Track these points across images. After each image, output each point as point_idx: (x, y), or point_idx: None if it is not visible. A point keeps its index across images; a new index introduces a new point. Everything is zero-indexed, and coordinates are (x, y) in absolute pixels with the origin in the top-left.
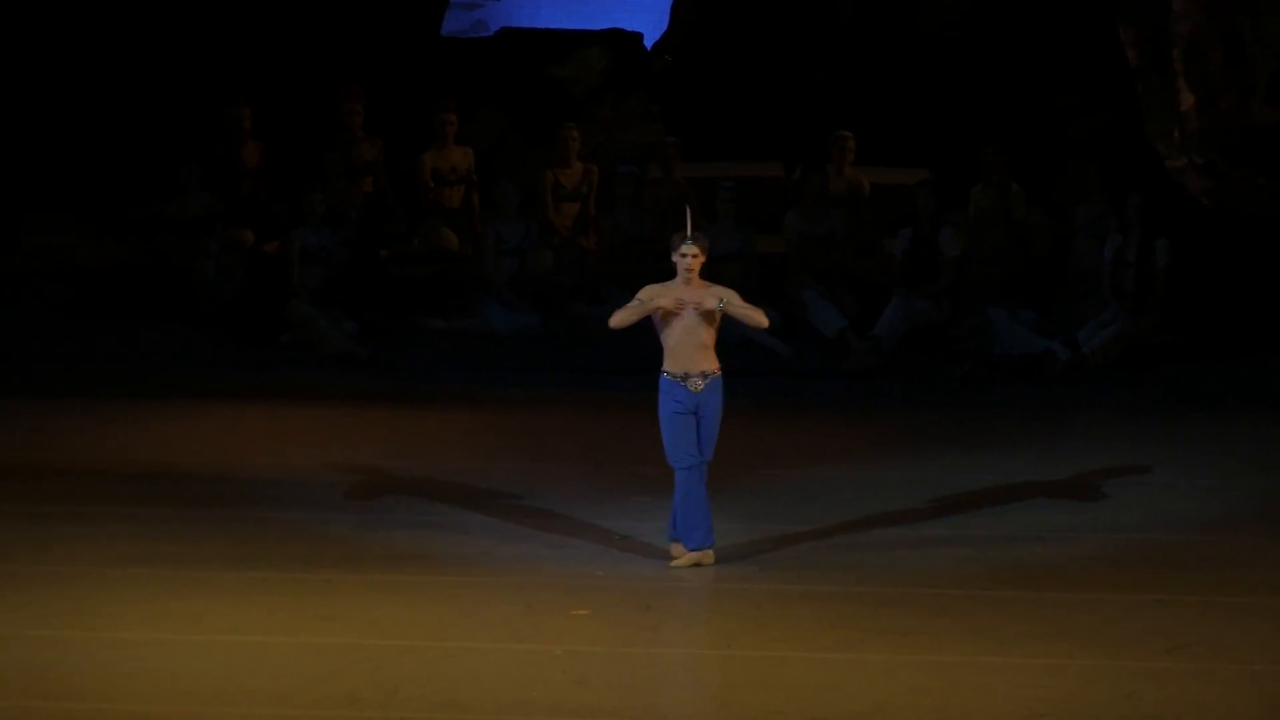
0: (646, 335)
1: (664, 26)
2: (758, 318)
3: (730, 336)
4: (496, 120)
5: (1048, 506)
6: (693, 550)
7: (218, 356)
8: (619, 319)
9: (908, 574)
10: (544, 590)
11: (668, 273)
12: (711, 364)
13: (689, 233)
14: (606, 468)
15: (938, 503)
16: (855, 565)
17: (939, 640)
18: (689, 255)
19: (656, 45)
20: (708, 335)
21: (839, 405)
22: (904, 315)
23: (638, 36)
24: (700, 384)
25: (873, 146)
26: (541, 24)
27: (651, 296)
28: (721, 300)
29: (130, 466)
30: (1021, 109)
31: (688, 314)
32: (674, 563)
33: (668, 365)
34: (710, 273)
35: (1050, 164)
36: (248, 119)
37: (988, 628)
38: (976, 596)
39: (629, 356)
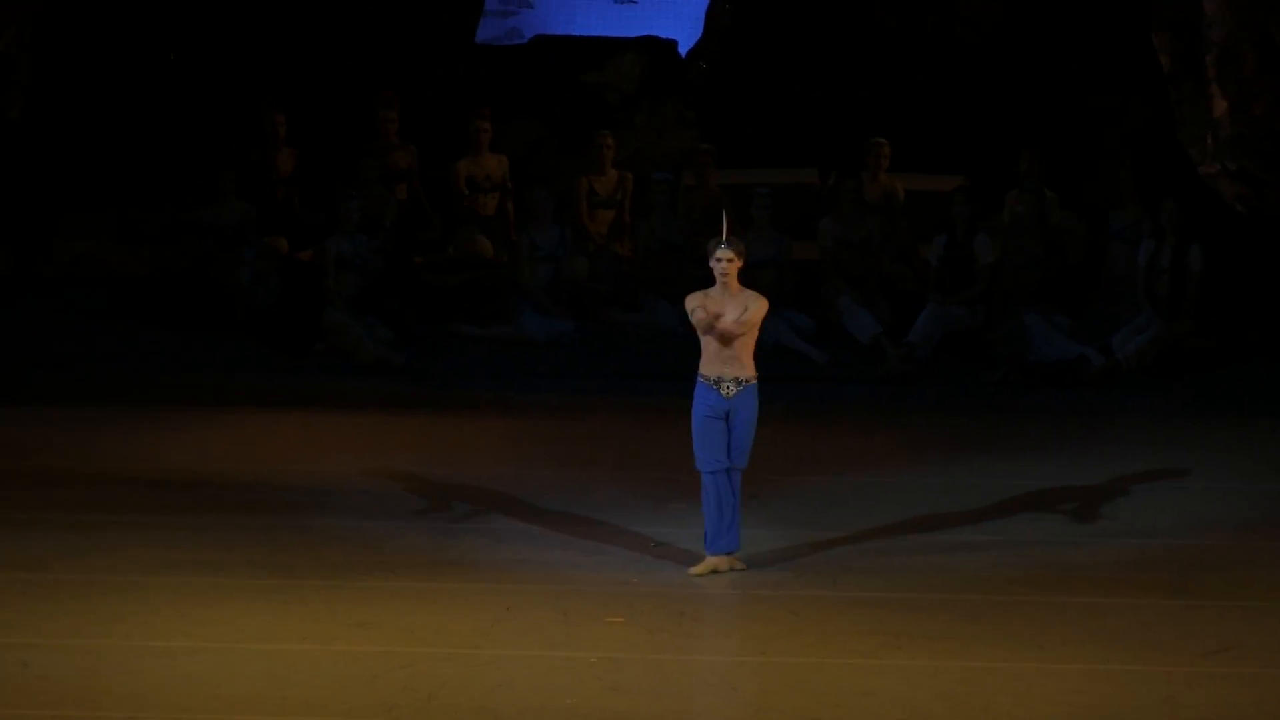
0: (681, 341)
1: (699, 33)
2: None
3: (766, 341)
4: (531, 127)
5: (1081, 511)
6: (711, 556)
7: (253, 364)
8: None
9: (943, 579)
10: (579, 597)
11: (704, 279)
12: (746, 371)
13: (724, 238)
14: (641, 474)
15: (972, 508)
16: (890, 570)
17: (974, 645)
18: (724, 260)
19: (691, 52)
20: (740, 343)
21: (873, 411)
22: (939, 321)
23: (672, 44)
24: (732, 389)
25: (908, 153)
26: (576, 31)
27: (693, 308)
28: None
29: (166, 474)
30: (1056, 114)
31: (727, 312)
32: (693, 570)
33: (702, 368)
34: (746, 279)
35: (1084, 169)
36: (282, 125)
37: (1023, 633)
38: (1011, 601)
39: (664, 362)
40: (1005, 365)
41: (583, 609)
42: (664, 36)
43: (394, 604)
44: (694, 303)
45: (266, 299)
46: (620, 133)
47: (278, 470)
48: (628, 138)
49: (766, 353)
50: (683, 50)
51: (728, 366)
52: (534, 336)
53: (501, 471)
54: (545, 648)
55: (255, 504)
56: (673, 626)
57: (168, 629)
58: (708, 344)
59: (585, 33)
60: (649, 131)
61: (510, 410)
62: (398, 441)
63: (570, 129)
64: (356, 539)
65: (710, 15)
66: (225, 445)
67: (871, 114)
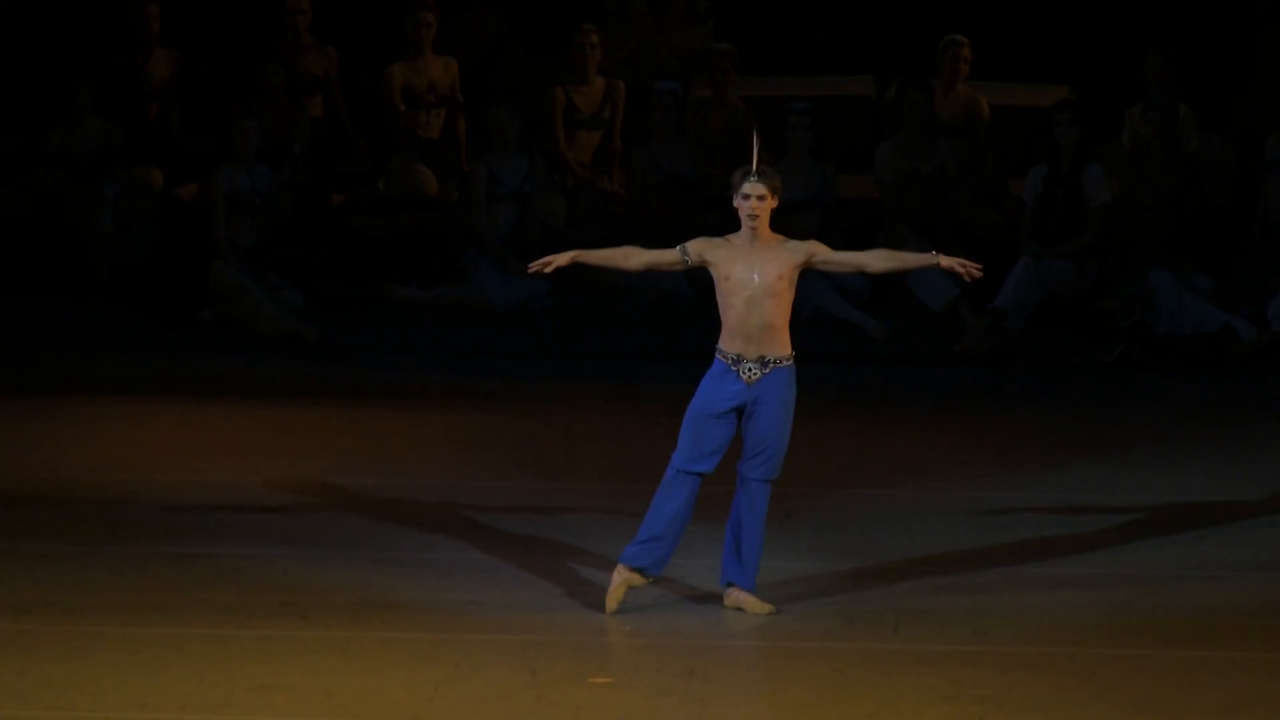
0: (691, 308)
1: None
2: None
3: (804, 308)
4: (490, 20)
5: (1226, 538)
6: (631, 570)
7: (117, 337)
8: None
9: (1042, 627)
10: (553, 651)
11: (725, 225)
12: (778, 349)
13: (754, 167)
14: (637, 486)
15: (1080, 532)
16: (972, 616)
17: (1086, 715)
18: (753, 197)
19: None
20: (776, 310)
21: (949, 401)
22: (1036, 281)
23: None
24: (756, 373)
25: (994, 56)
26: None
27: (700, 252)
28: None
29: (2, 486)
30: (1194, 7)
31: (753, 278)
32: (609, 603)
33: (722, 341)
34: (781, 223)
35: (1233, 78)
36: (156, 19)
37: (1152, 698)
38: (1135, 656)
39: (668, 337)
40: (1126, 340)
41: (558, 667)
42: None
43: (306, 661)
44: (702, 248)
45: (136, 251)
46: (610, 28)
47: (151, 481)
48: (619, 34)
49: (804, 323)
50: None
51: (751, 341)
52: (494, 302)
53: (451, 483)
54: (509, 719)
55: (121, 526)
56: (679, 690)
57: (4, 692)
58: (737, 311)
59: None
60: (649, 27)
61: (462, 401)
62: (311, 442)
63: (541, 23)
64: (257, 573)
65: None
66: (81, 447)
67: (947, 3)
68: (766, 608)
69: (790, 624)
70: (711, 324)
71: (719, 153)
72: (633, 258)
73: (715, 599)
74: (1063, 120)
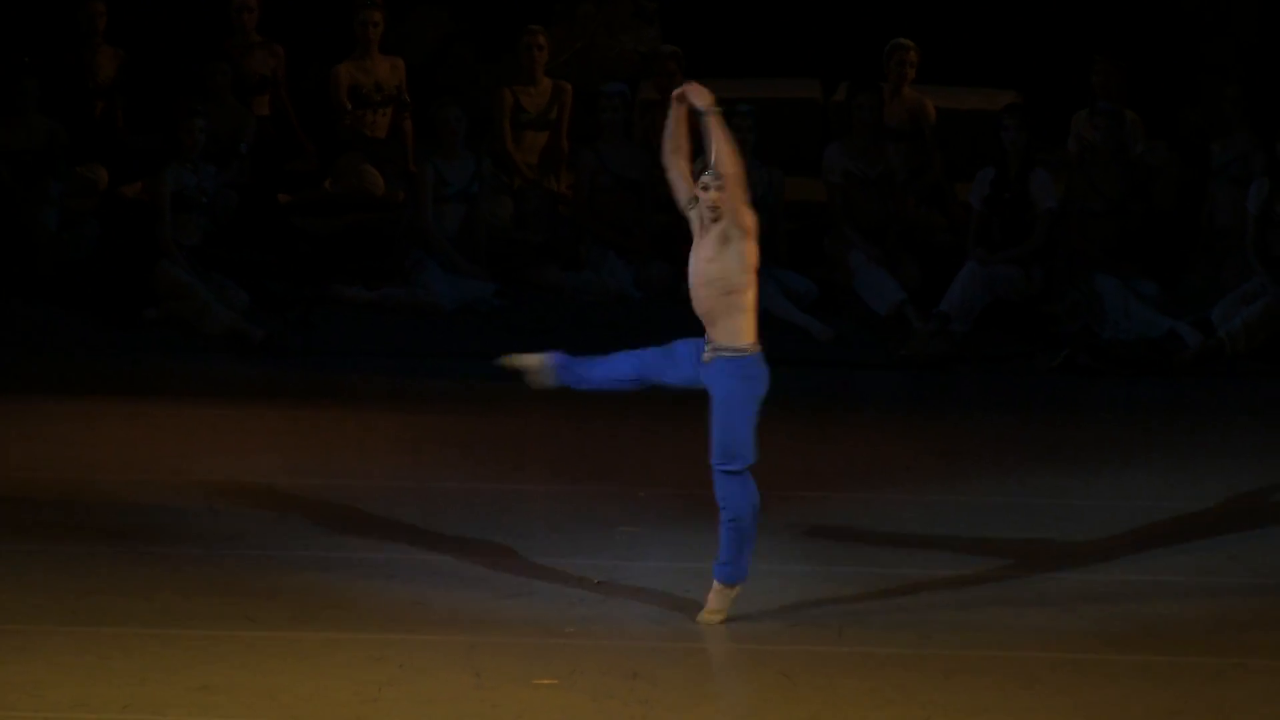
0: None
1: None
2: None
3: None
4: (438, 20)
5: (1173, 544)
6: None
7: (61, 336)
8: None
9: (987, 632)
10: (497, 652)
11: (677, 225)
12: (725, 338)
13: (712, 159)
14: (583, 487)
15: (1026, 537)
16: (917, 621)
17: None
18: (713, 188)
19: None
20: (710, 299)
21: (896, 405)
22: (982, 285)
23: None
24: (709, 355)
25: (941, 60)
26: None
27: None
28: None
29: None
30: (1141, 13)
31: (696, 266)
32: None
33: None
34: None
35: (1179, 86)
36: (102, 16)
37: (1096, 703)
38: (1079, 661)
39: (615, 337)
40: (1071, 345)
41: (502, 668)
42: None
43: (250, 661)
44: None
45: (81, 250)
46: (558, 29)
47: (94, 481)
48: (567, 35)
49: None
50: None
51: (706, 325)
52: (440, 302)
53: (397, 483)
54: None
55: (65, 526)
56: (623, 692)
57: None
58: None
59: None
60: (597, 28)
61: (408, 401)
62: (256, 442)
63: (490, 23)
64: (201, 574)
65: None
66: (25, 446)
67: (894, 7)
68: (711, 617)
69: (735, 627)
70: (658, 325)
71: None
72: (677, 158)
73: (660, 601)
74: (1010, 125)
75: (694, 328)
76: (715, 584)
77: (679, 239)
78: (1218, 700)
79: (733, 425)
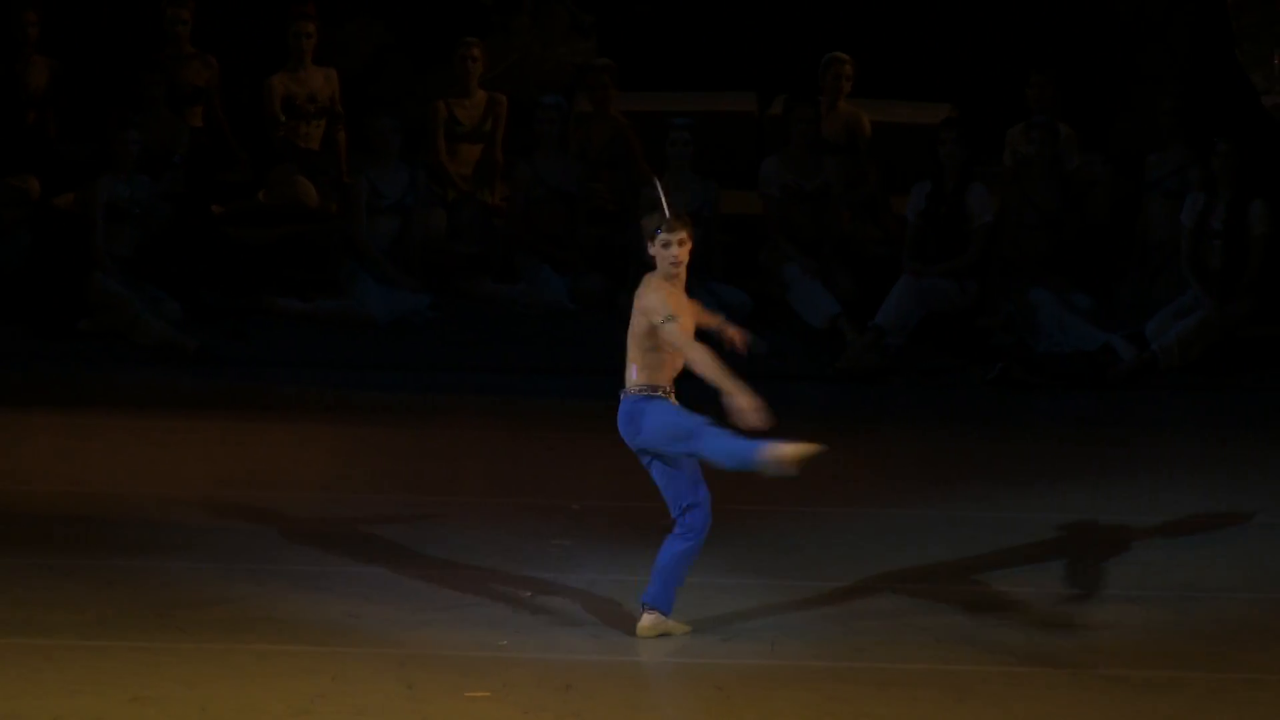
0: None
1: None
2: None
3: None
4: (372, 32)
5: (1107, 557)
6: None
7: None
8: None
9: (920, 645)
10: (429, 665)
11: (604, 240)
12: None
13: (668, 211)
14: (517, 501)
15: (961, 550)
16: (851, 634)
17: None
18: (674, 243)
19: None
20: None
21: (830, 419)
22: (917, 299)
23: None
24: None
25: (877, 74)
26: None
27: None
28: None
29: None
30: (1076, 26)
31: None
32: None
33: (659, 377)
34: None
35: (1114, 99)
36: (34, 26)
37: (1029, 716)
38: (1012, 674)
39: (550, 350)
40: (1006, 358)
41: (435, 681)
42: None
43: (182, 672)
44: (665, 302)
45: (12, 260)
46: (492, 41)
47: (25, 492)
48: (502, 48)
49: None
50: None
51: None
52: (375, 314)
53: (329, 496)
54: None
55: None
56: (556, 705)
57: None
58: (657, 348)
59: None
60: (531, 40)
61: (341, 413)
62: (189, 453)
63: (425, 34)
64: (131, 585)
65: None
66: None
67: (830, 22)
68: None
69: (668, 641)
70: (593, 339)
71: (601, 167)
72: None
73: (594, 615)
74: (948, 139)
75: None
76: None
77: (612, 252)
78: (1150, 713)
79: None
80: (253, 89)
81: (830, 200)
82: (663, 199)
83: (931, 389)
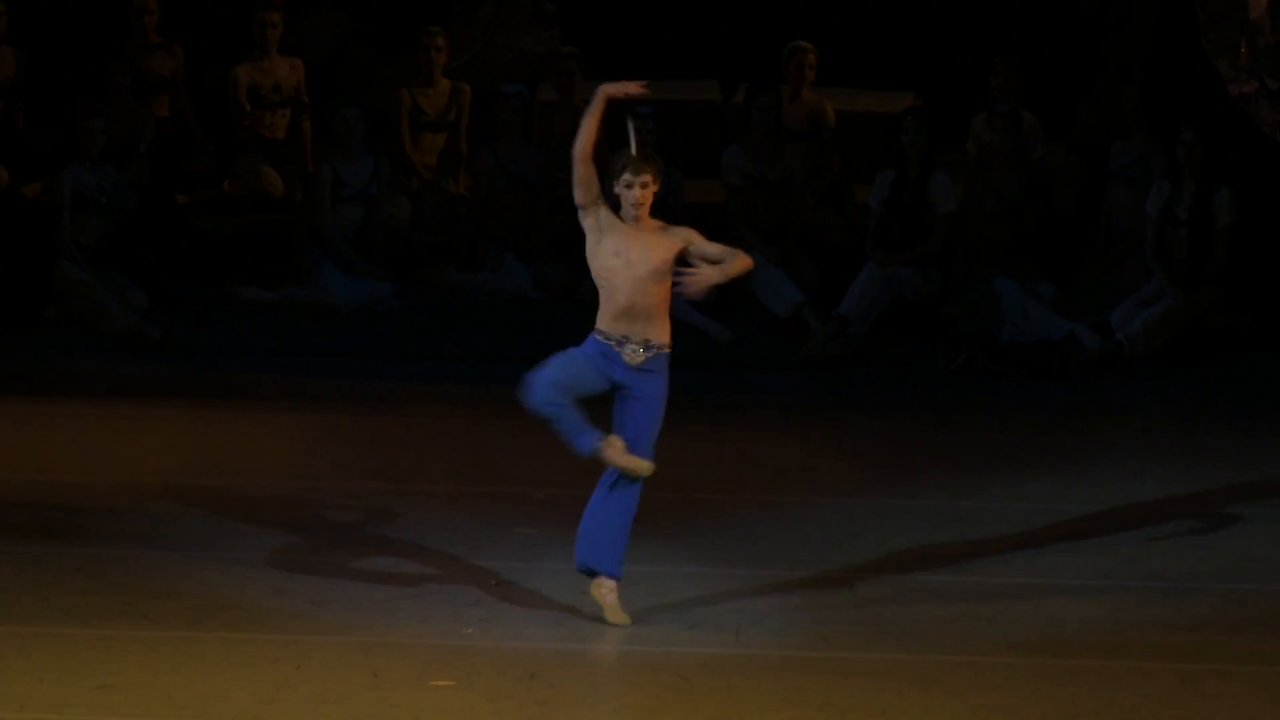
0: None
1: None
2: (737, 265)
3: None
4: (336, 21)
5: (1072, 546)
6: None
7: None
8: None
9: (884, 634)
10: (394, 654)
11: (574, 226)
12: (661, 334)
13: (634, 151)
14: (481, 489)
15: (924, 540)
16: (815, 623)
17: None
18: (636, 185)
19: None
20: (660, 294)
21: (794, 408)
22: (881, 287)
23: None
24: (641, 354)
25: (840, 62)
26: None
27: (599, 214)
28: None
29: None
30: (1038, 13)
31: (642, 261)
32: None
33: (603, 323)
34: None
35: (1077, 88)
36: (1, 17)
37: (994, 705)
38: (977, 664)
39: (513, 339)
40: (969, 347)
41: (399, 669)
42: None
43: (147, 660)
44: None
45: None
46: (456, 30)
47: None
48: (465, 37)
49: None
50: None
51: (638, 323)
52: (338, 302)
53: (293, 484)
54: None
55: None
56: (520, 694)
57: None
58: (617, 290)
59: None
60: (495, 29)
61: (305, 401)
62: (154, 442)
63: (389, 24)
64: (97, 573)
65: None
66: None
67: (792, 10)
68: (624, 618)
69: (632, 629)
70: (557, 327)
71: (565, 156)
72: (582, 158)
73: (558, 603)
74: (911, 127)
75: (589, 327)
76: (613, 583)
77: (576, 240)
78: (1114, 703)
79: (659, 425)
80: (218, 78)
81: (793, 189)
82: (632, 136)
83: (895, 378)
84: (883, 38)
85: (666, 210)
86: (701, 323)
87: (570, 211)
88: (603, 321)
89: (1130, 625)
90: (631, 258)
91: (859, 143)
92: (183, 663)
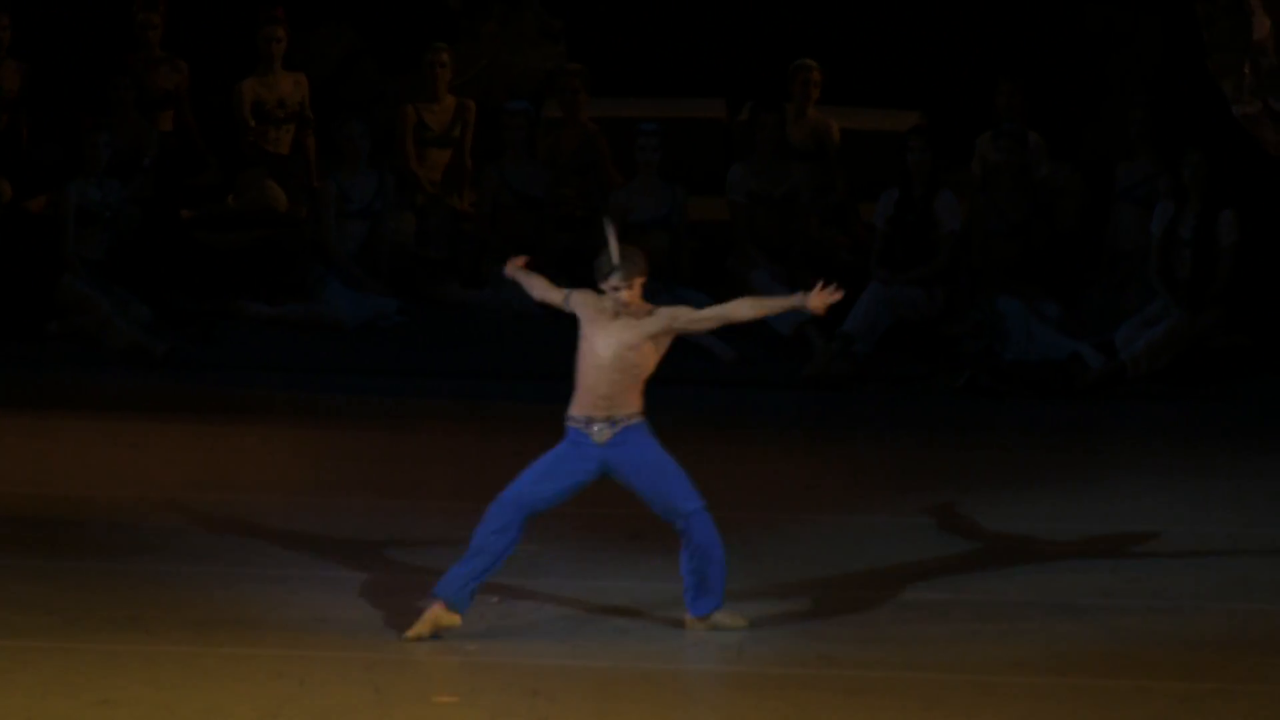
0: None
1: None
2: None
3: None
4: (341, 36)
5: (1076, 566)
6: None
7: None
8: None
9: (887, 652)
10: (397, 669)
11: (579, 244)
12: (628, 406)
13: (615, 259)
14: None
15: (927, 558)
16: (817, 640)
17: None
18: (624, 289)
19: None
20: (620, 381)
21: (798, 426)
22: (885, 306)
23: None
24: (606, 432)
25: (845, 81)
26: None
27: (576, 307)
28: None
29: None
30: (1045, 34)
31: (601, 340)
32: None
33: (571, 408)
34: (630, 243)
35: (1083, 108)
36: (6, 30)
37: None
38: (980, 683)
39: (517, 355)
40: (973, 366)
41: (402, 685)
42: None
43: (150, 674)
44: (584, 301)
45: None
46: (462, 46)
47: None
48: (471, 53)
49: None
50: None
51: (600, 406)
52: (342, 318)
53: (297, 499)
54: None
55: None
56: (523, 710)
57: None
58: (582, 373)
59: None
60: (501, 46)
61: (309, 417)
62: (158, 456)
63: (394, 39)
64: (101, 587)
65: None
66: None
67: (798, 29)
68: (742, 621)
69: (635, 646)
70: (560, 342)
71: (570, 173)
72: (535, 289)
73: (561, 619)
74: (916, 146)
75: None
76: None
77: (581, 257)
78: None
79: (675, 470)
80: (222, 93)
81: (798, 207)
82: (611, 242)
83: (899, 396)
84: (888, 56)
85: (672, 228)
86: (706, 341)
87: (574, 228)
88: (572, 407)
89: (1132, 644)
90: (595, 344)
91: (864, 161)
92: (186, 678)
